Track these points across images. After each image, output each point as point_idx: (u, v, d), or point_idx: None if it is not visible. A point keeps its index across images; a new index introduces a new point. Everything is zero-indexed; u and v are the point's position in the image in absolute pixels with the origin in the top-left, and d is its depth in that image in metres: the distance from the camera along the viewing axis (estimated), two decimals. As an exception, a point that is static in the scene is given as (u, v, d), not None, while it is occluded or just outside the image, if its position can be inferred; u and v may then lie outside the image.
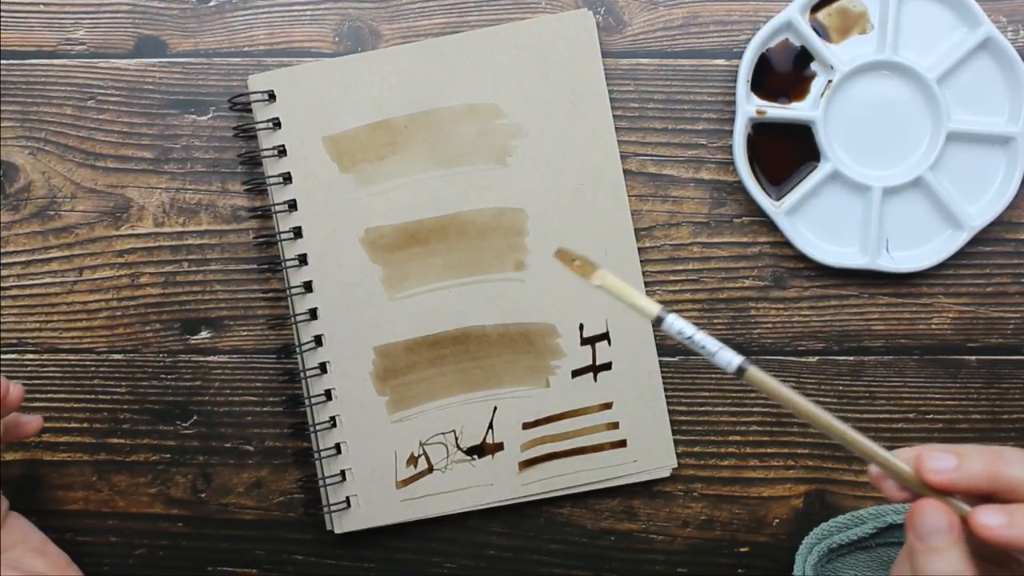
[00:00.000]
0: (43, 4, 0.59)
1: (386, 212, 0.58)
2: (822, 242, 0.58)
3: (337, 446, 0.58)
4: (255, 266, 0.59)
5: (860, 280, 0.59)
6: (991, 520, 0.36)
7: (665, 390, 0.58)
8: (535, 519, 0.59)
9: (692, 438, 0.58)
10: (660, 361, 0.58)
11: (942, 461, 0.37)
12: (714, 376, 0.58)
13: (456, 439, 0.58)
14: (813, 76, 0.58)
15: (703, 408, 0.59)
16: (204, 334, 0.59)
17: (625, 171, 0.58)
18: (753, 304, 0.58)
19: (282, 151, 0.58)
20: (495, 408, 0.58)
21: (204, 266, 0.59)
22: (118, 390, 0.59)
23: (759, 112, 0.57)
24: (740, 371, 0.39)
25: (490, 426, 0.58)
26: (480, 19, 0.59)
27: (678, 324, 0.40)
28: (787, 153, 0.58)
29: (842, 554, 0.54)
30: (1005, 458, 0.37)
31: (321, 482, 0.58)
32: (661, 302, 0.58)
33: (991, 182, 0.58)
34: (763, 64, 0.58)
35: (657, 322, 0.40)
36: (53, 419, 0.59)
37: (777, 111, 0.57)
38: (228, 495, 0.59)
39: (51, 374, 0.59)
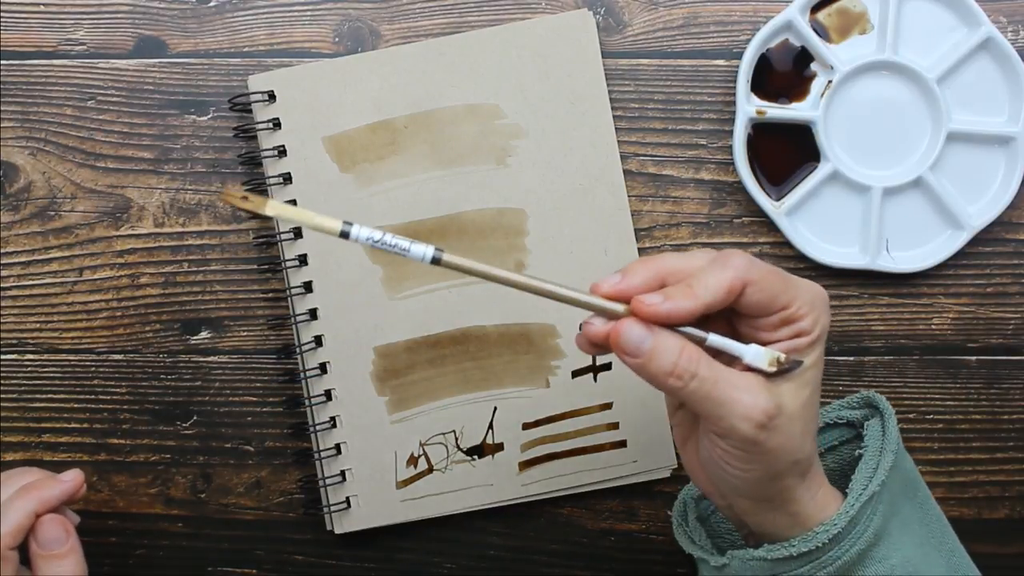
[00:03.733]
0: (43, 4, 0.59)
1: (386, 212, 0.58)
2: (822, 242, 0.58)
3: (337, 446, 0.58)
4: (255, 266, 0.59)
5: (860, 280, 0.59)
6: (650, 299, 0.39)
7: (665, 390, 0.58)
8: (535, 519, 0.59)
9: (692, 438, 0.58)
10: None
11: (610, 280, 0.40)
12: (714, 376, 0.58)
13: (456, 439, 0.58)
14: (813, 76, 0.58)
15: (703, 408, 0.58)
16: (204, 334, 0.59)
17: (625, 171, 0.58)
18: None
19: (282, 151, 0.58)
20: (495, 408, 0.58)
21: (204, 266, 0.59)
22: (118, 390, 0.59)
23: (759, 112, 0.57)
24: (436, 260, 0.39)
25: (490, 426, 0.58)
26: (480, 19, 0.59)
27: (364, 232, 0.39)
28: (787, 153, 0.58)
29: None
30: (663, 257, 0.41)
31: (321, 482, 0.58)
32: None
33: (991, 182, 0.58)
34: (763, 64, 0.58)
35: (344, 235, 0.39)
36: (53, 419, 0.59)
37: (777, 111, 0.57)
38: (228, 495, 0.59)
39: (51, 374, 0.59)
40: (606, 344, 0.40)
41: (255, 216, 0.38)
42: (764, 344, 0.41)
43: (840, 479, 0.46)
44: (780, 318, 0.41)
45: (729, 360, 0.41)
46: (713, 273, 0.40)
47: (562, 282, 0.40)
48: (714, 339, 0.41)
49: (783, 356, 0.40)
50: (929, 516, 0.47)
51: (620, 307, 0.40)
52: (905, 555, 0.44)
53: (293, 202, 0.57)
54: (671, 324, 0.40)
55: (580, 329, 0.41)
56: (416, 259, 0.39)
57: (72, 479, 0.51)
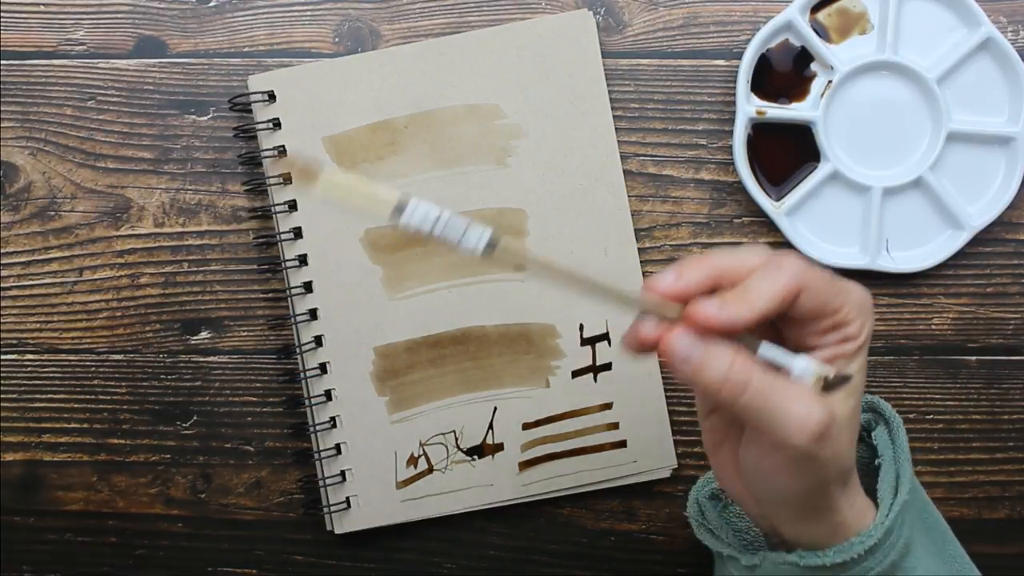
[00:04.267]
0: (43, 4, 0.59)
1: (386, 212, 0.58)
2: (822, 242, 0.58)
3: (337, 446, 0.58)
4: (255, 266, 0.59)
5: (860, 280, 0.58)
6: (707, 308, 0.38)
7: (665, 390, 0.58)
8: (535, 519, 0.59)
9: (692, 438, 0.58)
10: (660, 361, 0.58)
11: (666, 279, 0.39)
12: (714, 376, 0.58)
13: (456, 439, 0.58)
14: (813, 76, 0.58)
15: (703, 408, 0.59)
16: (204, 334, 0.59)
17: (625, 171, 0.58)
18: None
19: (282, 151, 0.58)
20: (495, 408, 0.58)
21: (204, 266, 0.59)
22: (118, 390, 0.59)
23: (759, 112, 0.57)
24: (490, 246, 0.36)
25: (490, 426, 0.58)
26: (480, 19, 0.59)
27: (422, 207, 0.35)
28: (787, 153, 0.58)
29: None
30: (717, 255, 0.39)
31: (321, 482, 0.58)
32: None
33: (991, 182, 0.58)
34: (763, 64, 0.58)
35: (399, 210, 0.35)
36: (53, 419, 0.59)
37: (777, 111, 0.57)
38: (228, 495, 0.59)
39: (51, 374, 0.59)
40: (654, 349, 0.39)
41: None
42: (810, 349, 0.40)
43: None
44: (830, 323, 0.40)
45: (774, 370, 0.40)
46: (769, 279, 0.38)
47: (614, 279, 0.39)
48: (766, 349, 0.39)
49: (831, 374, 0.39)
50: (930, 524, 0.46)
51: (675, 309, 0.39)
52: (927, 566, 0.43)
53: (294, 203, 0.57)
54: (725, 334, 0.38)
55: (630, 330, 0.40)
56: (468, 248, 0.36)
57: None
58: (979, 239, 0.58)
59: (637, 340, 0.39)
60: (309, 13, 0.59)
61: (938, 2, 0.57)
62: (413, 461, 0.58)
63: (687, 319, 0.38)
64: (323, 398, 0.58)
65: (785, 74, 0.58)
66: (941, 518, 0.47)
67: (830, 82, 0.57)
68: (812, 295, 0.39)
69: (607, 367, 0.58)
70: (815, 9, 0.58)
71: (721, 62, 0.59)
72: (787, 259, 0.39)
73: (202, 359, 0.59)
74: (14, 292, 0.59)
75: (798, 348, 0.40)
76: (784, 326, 0.41)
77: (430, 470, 0.58)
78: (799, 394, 0.38)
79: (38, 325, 0.59)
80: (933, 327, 0.59)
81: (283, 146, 0.57)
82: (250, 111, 0.58)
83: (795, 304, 0.39)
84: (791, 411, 0.38)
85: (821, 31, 0.58)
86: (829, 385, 0.39)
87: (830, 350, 0.40)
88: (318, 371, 0.58)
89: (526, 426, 0.58)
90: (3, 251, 0.59)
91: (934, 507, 0.47)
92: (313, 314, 0.58)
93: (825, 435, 0.38)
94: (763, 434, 0.39)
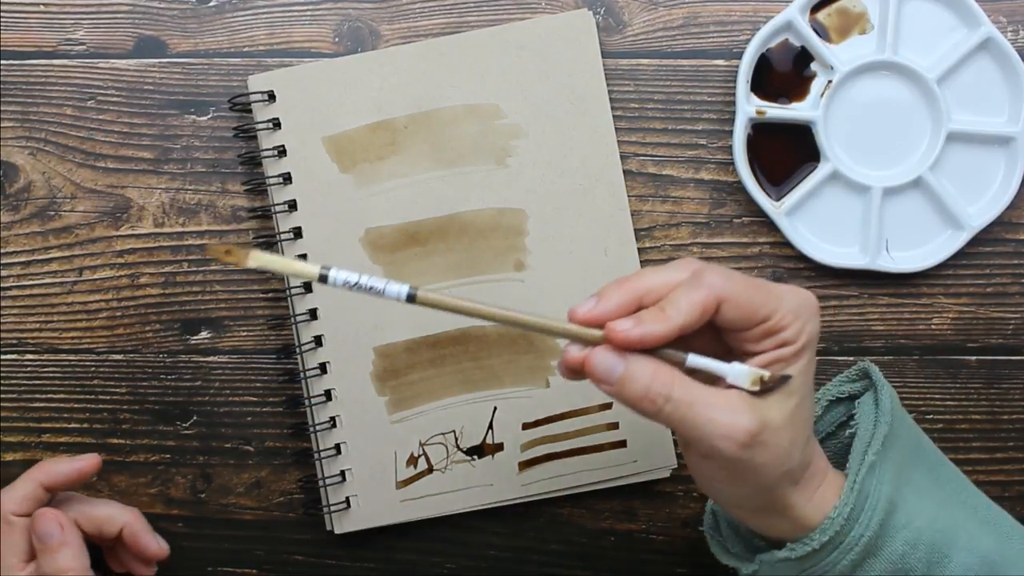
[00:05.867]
0: (43, 4, 0.59)
1: (386, 212, 0.58)
2: (822, 242, 0.58)
3: (337, 446, 0.58)
4: (255, 266, 0.59)
5: (860, 280, 0.59)
6: (622, 324, 0.39)
7: (665, 390, 0.58)
8: (535, 519, 0.59)
9: (692, 438, 0.58)
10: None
11: (585, 305, 0.40)
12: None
13: (456, 439, 0.58)
14: (813, 76, 0.58)
15: (703, 408, 0.59)
16: (204, 334, 0.59)
17: (625, 171, 0.58)
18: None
19: (282, 151, 0.58)
20: (495, 408, 0.58)
21: (204, 266, 0.59)
22: (118, 390, 0.59)
23: (759, 112, 0.57)
24: (411, 297, 0.40)
25: (490, 426, 0.58)
26: (480, 19, 0.59)
27: (342, 275, 0.40)
28: (787, 153, 0.58)
29: None
30: (639, 275, 0.41)
31: (321, 482, 0.58)
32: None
33: (991, 182, 0.58)
34: (763, 64, 0.58)
35: (322, 279, 0.40)
36: (53, 419, 0.59)
37: (777, 111, 0.57)
38: (228, 495, 0.59)
39: (51, 374, 0.59)
40: (582, 371, 0.40)
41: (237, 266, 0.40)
42: (750, 355, 0.41)
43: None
44: (763, 330, 0.40)
45: (713, 379, 0.41)
46: (686, 294, 0.40)
47: (537, 312, 0.41)
48: (693, 359, 0.40)
49: (767, 374, 0.40)
50: (943, 479, 0.47)
51: (597, 332, 0.40)
52: (929, 516, 0.44)
53: (294, 203, 0.57)
54: (645, 349, 0.40)
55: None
56: (392, 298, 0.40)
57: (87, 460, 0.53)
58: (979, 239, 0.58)
59: (565, 365, 0.41)
60: (309, 13, 0.59)
61: (938, 2, 0.58)
62: (413, 461, 0.58)
63: (607, 338, 0.40)
64: (323, 398, 0.58)
65: (785, 74, 0.58)
66: (931, 443, 0.48)
67: (830, 82, 0.57)
68: (733, 306, 0.40)
69: (607, 367, 0.58)
70: (815, 9, 0.58)
71: (721, 62, 0.59)
72: (708, 274, 0.40)
73: (202, 359, 0.59)
74: (14, 292, 0.59)
75: (740, 355, 0.41)
76: (724, 334, 0.42)
77: (430, 470, 0.58)
78: (725, 402, 0.39)
79: (38, 325, 0.59)
80: (933, 327, 0.59)
81: (283, 146, 0.57)
82: (250, 111, 0.58)
83: (719, 315, 0.40)
84: (715, 420, 0.39)
85: (821, 31, 0.58)
86: (767, 387, 0.40)
87: (769, 355, 0.41)
88: (318, 371, 0.58)
89: (526, 426, 0.58)
90: (3, 251, 0.59)
91: (923, 434, 0.48)
92: (313, 314, 0.58)
93: (754, 442, 0.39)
94: (691, 443, 0.40)
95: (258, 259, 0.41)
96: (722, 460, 0.40)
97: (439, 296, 0.40)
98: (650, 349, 0.40)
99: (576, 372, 0.41)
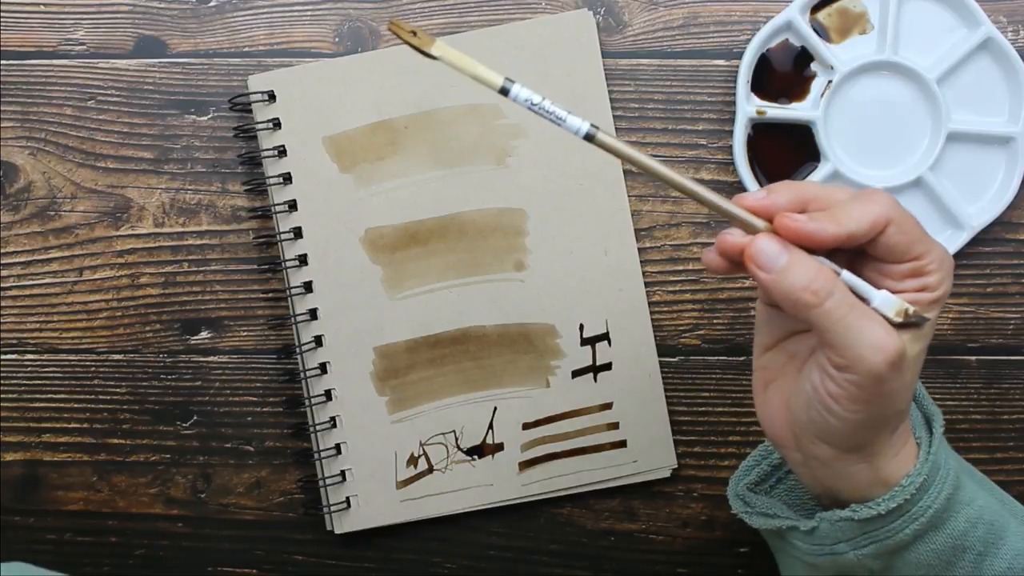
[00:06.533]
0: (43, 4, 0.59)
1: (386, 212, 0.58)
2: (822, 242, 0.58)
3: (337, 446, 0.58)
4: (255, 266, 0.59)
5: (860, 280, 0.59)
6: (796, 216, 0.39)
7: (665, 390, 0.58)
8: (535, 519, 0.59)
9: (692, 438, 0.58)
10: (660, 361, 0.58)
11: (756, 195, 0.40)
12: (714, 376, 0.59)
13: (456, 439, 0.58)
14: (813, 76, 0.58)
15: (703, 408, 0.59)
16: (204, 334, 0.59)
17: (625, 171, 0.58)
18: (753, 304, 0.58)
19: (282, 151, 0.58)
20: (495, 408, 0.58)
21: (204, 266, 0.59)
22: (118, 390, 0.59)
23: (759, 112, 0.57)
24: (589, 137, 0.39)
25: (490, 426, 0.58)
26: (480, 19, 0.59)
27: (524, 92, 0.39)
28: (787, 153, 0.58)
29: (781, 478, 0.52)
30: (806, 183, 0.41)
31: (321, 482, 0.58)
32: (661, 302, 0.58)
33: (991, 182, 0.58)
34: (763, 64, 0.58)
35: (503, 92, 0.39)
36: (53, 419, 0.59)
37: (777, 111, 0.57)
38: (228, 495, 0.59)
39: (51, 374, 0.59)
40: (737, 257, 0.40)
41: (420, 52, 0.37)
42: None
43: None
44: (911, 268, 0.40)
45: None
46: (860, 205, 0.39)
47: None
48: (847, 276, 0.40)
49: (912, 309, 0.39)
50: (977, 476, 0.47)
51: (761, 223, 0.39)
52: (984, 500, 0.43)
53: (294, 203, 0.57)
54: (810, 247, 0.39)
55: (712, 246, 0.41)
56: (571, 130, 0.39)
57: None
58: (979, 239, 0.58)
59: (724, 246, 0.40)
60: (309, 13, 0.59)
61: (938, 2, 0.58)
62: (413, 461, 0.58)
63: (778, 226, 0.39)
64: (323, 398, 0.58)
65: (785, 74, 0.58)
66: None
67: (830, 82, 0.57)
68: (900, 230, 0.39)
69: (607, 367, 0.58)
70: (815, 9, 0.58)
71: (721, 62, 0.59)
72: (878, 194, 0.40)
73: (202, 359, 0.59)
74: (14, 292, 0.59)
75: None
76: (863, 266, 0.41)
77: (430, 470, 0.58)
78: (880, 320, 0.39)
79: (38, 325, 0.59)
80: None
81: (283, 146, 0.58)
82: (250, 111, 0.58)
83: (882, 237, 0.39)
84: (872, 329, 0.38)
85: (821, 31, 0.58)
86: (907, 322, 0.40)
87: (908, 296, 0.40)
88: (318, 371, 0.58)
89: (526, 426, 0.58)
90: (3, 251, 0.59)
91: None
92: (313, 314, 0.58)
93: (898, 364, 0.38)
94: (836, 351, 0.39)
95: (442, 49, 0.38)
96: (862, 374, 0.38)
97: (617, 142, 0.39)
98: (810, 251, 0.39)
99: (729, 257, 0.40)
